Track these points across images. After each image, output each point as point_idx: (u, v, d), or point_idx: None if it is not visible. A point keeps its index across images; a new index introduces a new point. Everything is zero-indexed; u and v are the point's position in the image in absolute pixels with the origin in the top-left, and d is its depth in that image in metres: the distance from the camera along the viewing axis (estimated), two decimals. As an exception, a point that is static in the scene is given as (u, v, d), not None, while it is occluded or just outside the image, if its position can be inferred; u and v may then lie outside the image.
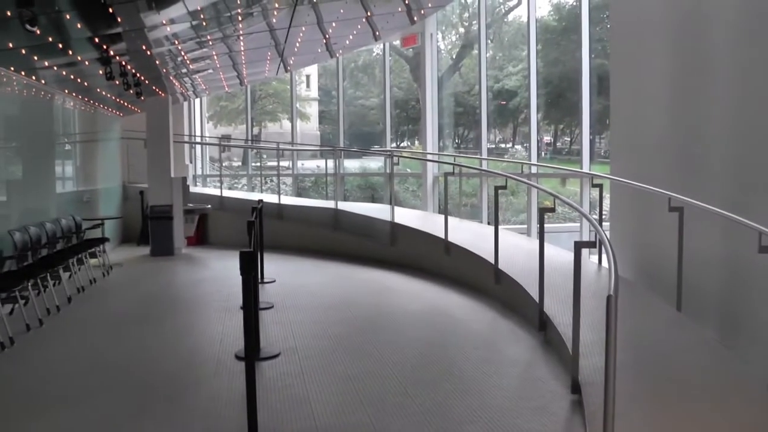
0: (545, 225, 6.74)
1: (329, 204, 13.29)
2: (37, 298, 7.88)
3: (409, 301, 8.73)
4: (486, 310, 8.03)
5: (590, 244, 5.57)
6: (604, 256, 8.33)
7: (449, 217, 10.11)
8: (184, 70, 12.34)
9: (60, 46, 8.15)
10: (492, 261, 8.37)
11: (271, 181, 18.90)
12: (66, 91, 11.40)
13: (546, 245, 6.72)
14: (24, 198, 9.61)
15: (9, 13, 5.97)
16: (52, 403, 5.35)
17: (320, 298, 9.07)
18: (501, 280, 8.21)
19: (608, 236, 5.99)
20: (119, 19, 7.29)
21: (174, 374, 5.99)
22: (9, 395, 5.56)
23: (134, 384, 5.77)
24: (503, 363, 6.19)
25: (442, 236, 9.90)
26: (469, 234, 10.43)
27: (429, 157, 15.89)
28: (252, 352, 4.80)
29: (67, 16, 7.26)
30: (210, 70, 13.09)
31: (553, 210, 7.12)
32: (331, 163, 15.22)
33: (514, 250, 9.18)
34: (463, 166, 12.95)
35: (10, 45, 7.55)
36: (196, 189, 16.27)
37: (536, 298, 6.76)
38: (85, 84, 10.89)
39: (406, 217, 11.97)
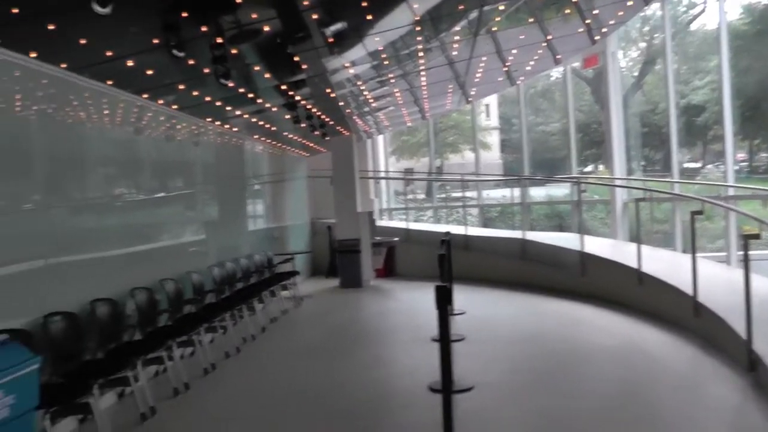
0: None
1: (516, 234, 13.15)
2: (235, 328, 8.45)
3: (602, 335, 8.34)
4: (685, 347, 7.49)
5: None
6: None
7: (641, 246, 9.63)
8: (367, 109, 12.68)
9: (250, 95, 8.66)
10: (689, 292, 7.84)
11: (457, 212, 18.93)
12: (256, 136, 12.06)
13: (751, 275, 6.19)
14: (220, 236, 10.25)
15: (206, 71, 6.41)
16: (256, 426, 5.64)
17: (510, 330, 8.92)
18: (701, 314, 7.65)
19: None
20: (303, 66, 7.62)
21: (367, 404, 6.07)
22: (214, 417, 5.88)
23: (329, 412, 5.92)
24: (708, 407, 5.69)
25: (635, 266, 9.45)
26: (663, 263, 9.89)
27: (617, 182, 15.25)
28: (448, 385, 4.75)
29: (256, 68, 7.69)
30: (391, 107, 13.37)
31: (758, 236, 6.54)
32: (516, 192, 15.04)
33: (714, 280, 8.55)
34: (654, 191, 12.32)
35: (207, 98, 8.11)
36: (382, 222, 16.66)
37: (743, 334, 6.22)
38: (273, 129, 11.46)
39: (595, 245, 11.56)
